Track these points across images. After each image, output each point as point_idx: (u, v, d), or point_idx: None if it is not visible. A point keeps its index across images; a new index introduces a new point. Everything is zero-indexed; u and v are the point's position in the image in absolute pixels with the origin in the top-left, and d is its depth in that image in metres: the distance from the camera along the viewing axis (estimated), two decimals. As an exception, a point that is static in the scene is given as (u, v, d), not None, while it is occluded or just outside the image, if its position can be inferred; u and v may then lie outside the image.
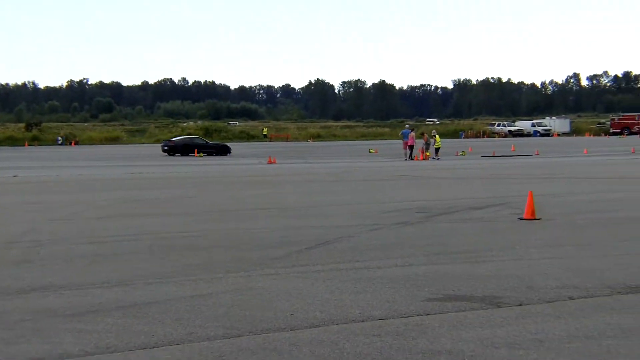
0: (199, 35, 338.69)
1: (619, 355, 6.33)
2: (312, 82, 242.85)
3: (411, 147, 50.69)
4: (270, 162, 46.27)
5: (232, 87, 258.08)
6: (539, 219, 15.56)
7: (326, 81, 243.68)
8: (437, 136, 52.37)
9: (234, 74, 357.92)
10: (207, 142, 63.37)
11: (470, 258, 11.30)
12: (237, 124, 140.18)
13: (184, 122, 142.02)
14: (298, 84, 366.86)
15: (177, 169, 40.36)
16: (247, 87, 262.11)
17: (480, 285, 9.28)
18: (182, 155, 58.58)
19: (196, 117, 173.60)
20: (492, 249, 12.14)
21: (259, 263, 10.95)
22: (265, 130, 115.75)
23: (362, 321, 7.63)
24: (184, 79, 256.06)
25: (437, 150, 51.21)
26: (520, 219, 15.80)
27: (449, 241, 13.03)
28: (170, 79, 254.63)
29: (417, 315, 7.85)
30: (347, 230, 14.37)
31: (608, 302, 8.30)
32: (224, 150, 60.71)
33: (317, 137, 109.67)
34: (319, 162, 47.65)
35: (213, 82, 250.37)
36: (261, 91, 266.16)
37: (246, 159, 52.80)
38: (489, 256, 11.45)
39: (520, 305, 8.27)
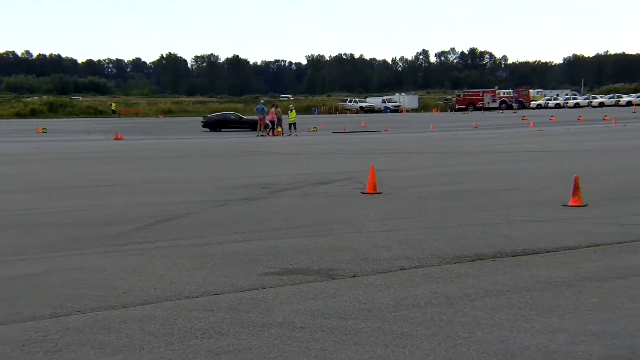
0: (44, 6, 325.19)
1: (441, 322, 6.60)
2: (164, 56, 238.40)
3: (272, 123, 50.75)
4: (117, 139, 45.19)
5: (79, 61, 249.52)
6: (380, 193, 15.98)
7: (178, 55, 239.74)
8: (292, 111, 52.72)
9: (82, 47, 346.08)
10: (241, 118, 61.00)
11: (310, 232, 11.46)
12: (80, 99, 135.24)
13: (28, 97, 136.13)
14: (149, 58, 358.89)
15: (21, 145, 38.78)
16: (96, 60, 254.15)
17: (317, 259, 9.45)
18: (212, 130, 57.40)
19: (41, 92, 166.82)
20: (332, 222, 12.36)
21: (96, 241, 10.71)
22: (113, 105, 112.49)
23: (197, 297, 7.61)
24: (27, 52, 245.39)
25: (292, 125, 51.48)
26: (363, 193, 16.17)
27: (291, 216, 13.17)
28: (13, 51, 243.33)
29: (253, 290, 7.91)
30: (191, 206, 14.28)
31: (436, 272, 8.63)
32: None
33: (168, 112, 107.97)
34: (170, 139, 46.96)
35: (59, 56, 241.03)
36: (110, 65, 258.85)
37: (92, 135, 51.35)
38: (329, 230, 11.66)
39: (354, 276, 8.48)
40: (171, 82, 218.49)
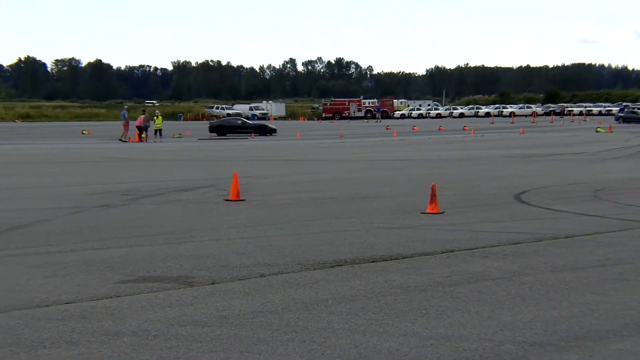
0: None
1: (297, 328, 6.64)
2: (22, 59, 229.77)
3: (139, 129, 49.69)
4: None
5: None
6: (243, 200, 15.95)
7: (37, 59, 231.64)
8: (159, 117, 51.90)
9: None
10: (244, 123, 61.11)
11: (171, 239, 11.31)
12: None
13: None
14: (6, 61, 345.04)
15: None
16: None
17: (176, 266, 9.32)
18: (218, 135, 56.80)
19: None
20: (194, 229, 12.24)
21: (-58, 249, 10.18)
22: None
23: (47, 306, 7.36)
24: None
25: (157, 131, 50.66)
26: (226, 200, 16.09)
27: (152, 223, 12.95)
28: None
29: (107, 298, 7.72)
30: (45, 213, 13.82)
31: (296, 278, 8.68)
32: (262, 130, 58.49)
33: (26, 117, 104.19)
34: (26, 144, 45.28)
35: None
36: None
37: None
38: (190, 237, 11.53)
39: (213, 284, 8.42)
40: (30, 86, 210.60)
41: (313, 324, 6.76)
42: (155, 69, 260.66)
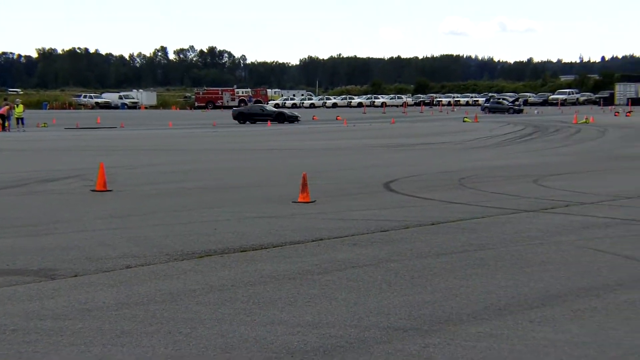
0: None
1: (163, 319, 6.52)
2: None
3: (2, 117, 47.56)
4: None
5: None
6: (110, 191, 15.57)
7: None
8: (19, 105, 49.91)
9: None
10: (263, 110, 61.22)
11: (33, 231, 10.92)
12: None
13: None
14: None
15: None
16: None
17: (38, 259, 8.99)
18: (239, 122, 57.55)
19: None
20: (58, 221, 11.87)
21: None
22: None
23: None
24: None
25: (19, 120, 48.73)
26: (93, 190, 15.67)
27: (12, 215, 12.48)
28: None
29: (-38, 293, 7.35)
30: None
31: (163, 269, 8.53)
32: (280, 118, 57.67)
33: None
34: None
35: None
36: None
37: None
38: (54, 229, 11.17)
39: (76, 276, 8.17)
40: None
41: (179, 315, 6.65)
42: (19, 56, 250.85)
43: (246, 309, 6.86)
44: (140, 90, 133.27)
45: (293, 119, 58.15)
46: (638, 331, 6.11)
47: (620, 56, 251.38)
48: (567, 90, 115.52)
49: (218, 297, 7.26)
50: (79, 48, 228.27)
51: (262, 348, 5.78)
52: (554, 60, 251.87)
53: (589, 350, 5.66)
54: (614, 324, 6.32)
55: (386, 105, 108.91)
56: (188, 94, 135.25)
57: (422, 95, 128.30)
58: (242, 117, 58.96)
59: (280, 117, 58.34)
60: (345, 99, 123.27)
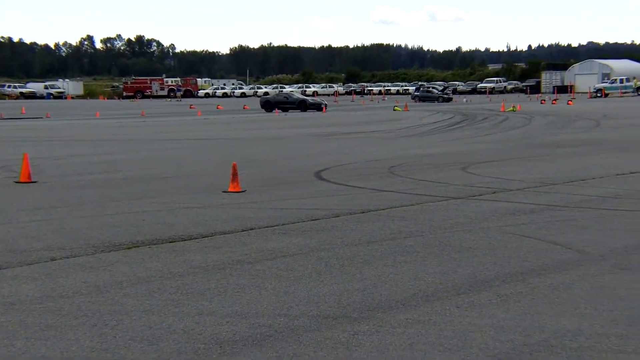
0: None
1: (88, 312, 6.39)
2: None
3: None
4: None
5: None
6: (35, 182, 15.22)
7: None
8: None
9: None
10: (287, 98, 61.22)
11: (-46, 224, 10.58)
12: None
13: None
14: None
15: None
16: None
17: (-41, 252, 8.72)
18: (266, 110, 58.29)
19: None
20: (-20, 213, 11.53)
21: None
22: None
23: None
24: None
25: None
26: (16, 182, 15.29)
27: None
28: None
29: None
30: None
31: (89, 261, 8.37)
32: (302, 106, 57.81)
33: None
34: None
35: None
36: None
37: None
38: (-24, 221, 10.85)
39: (-1, 269, 7.96)
40: None
41: (106, 307, 6.54)
42: None
43: (174, 300, 6.78)
44: (67, 79, 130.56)
45: (316, 107, 58.04)
46: (562, 315, 6.23)
47: (546, 45, 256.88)
48: (495, 78, 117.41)
49: (146, 289, 7.16)
50: (2, 37, 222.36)
51: (191, 339, 5.71)
52: (482, 49, 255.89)
53: (514, 335, 5.75)
54: (538, 308, 6.44)
55: (317, 95, 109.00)
56: (116, 84, 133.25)
57: (353, 85, 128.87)
58: (269, 105, 60.09)
59: (302, 105, 58.56)
60: (277, 88, 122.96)
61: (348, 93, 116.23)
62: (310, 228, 10.31)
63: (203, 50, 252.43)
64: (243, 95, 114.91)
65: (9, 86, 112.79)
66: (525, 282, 7.29)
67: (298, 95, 65.93)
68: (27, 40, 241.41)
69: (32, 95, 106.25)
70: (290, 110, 57.26)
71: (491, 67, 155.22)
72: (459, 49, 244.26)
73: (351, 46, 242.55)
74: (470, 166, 17.89)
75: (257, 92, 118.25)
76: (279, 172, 17.44)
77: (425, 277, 7.55)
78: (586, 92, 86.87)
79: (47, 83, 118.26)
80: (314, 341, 5.66)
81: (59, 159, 20.95)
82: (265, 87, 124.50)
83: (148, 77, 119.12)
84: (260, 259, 8.45)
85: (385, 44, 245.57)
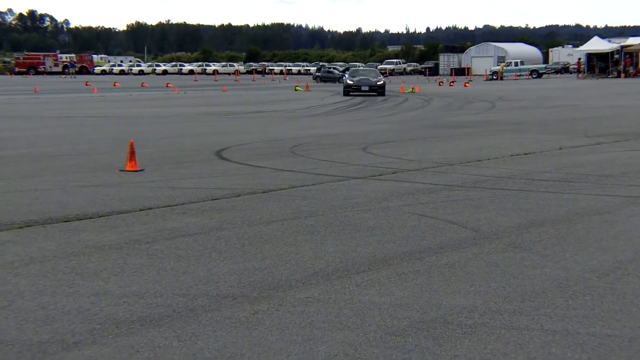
0: None
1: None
2: None
3: None
4: None
5: None
6: None
7: None
8: None
9: None
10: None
11: None
12: None
13: None
14: None
15: None
16: None
17: None
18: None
19: None
20: None
21: None
22: None
23: None
24: None
25: None
26: None
27: None
28: None
29: None
30: None
31: (-21, 241, 8.07)
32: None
33: None
34: None
35: None
36: None
37: None
38: None
39: None
40: None
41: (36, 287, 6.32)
42: None
43: (69, 280, 6.60)
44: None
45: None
46: (457, 292, 6.36)
47: (444, 27, 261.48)
48: (395, 60, 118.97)
49: (39, 269, 6.95)
50: None
51: (86, 319, 5.58)
52: (382, 30, 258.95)
53: (411, 312, 5.84)
54: (435, 286, 6.55)
55: (218, 73, 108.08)
56: (7, 59, 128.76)
57: (254, 64, 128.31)
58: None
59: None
60: (176, 66, 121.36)
61: (249, 72, 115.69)
62: (211, 208, 10.21)
63: (99, 27, 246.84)
64: (141, 72, 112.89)
65: None
66: (423, 261, 7.41)
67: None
68: None
69: None
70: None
71: (391, 48, 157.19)
72: (359, 30, 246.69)
73: (251, 25, 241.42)
74: (370, 146, 18.06)
75: (155, 69, 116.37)
76: (178, 151, 17.21)
77: (325, 256, 7.58)
78: (482, 75, 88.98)
79: None
80: (214, 321, 5.61)
81: (-54, 135, 20.12)
82: (164, 65, 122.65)
83: (41, 53, 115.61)
84: (158, 239, 8.32)
85: (285, 23, 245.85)
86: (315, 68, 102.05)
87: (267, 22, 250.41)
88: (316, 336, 5.30)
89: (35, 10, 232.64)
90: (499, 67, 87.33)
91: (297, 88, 57.39)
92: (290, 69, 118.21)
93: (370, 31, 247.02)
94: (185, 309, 5.87)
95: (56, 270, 6.94)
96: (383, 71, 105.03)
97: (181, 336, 5.29)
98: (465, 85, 61.70)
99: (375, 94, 43.92)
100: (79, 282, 6.53)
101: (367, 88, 43.76)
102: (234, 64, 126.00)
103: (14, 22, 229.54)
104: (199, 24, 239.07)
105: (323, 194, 11.40)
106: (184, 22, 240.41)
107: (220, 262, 7.34)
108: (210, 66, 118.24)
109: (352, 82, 44.73)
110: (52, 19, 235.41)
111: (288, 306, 5.96)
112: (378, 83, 44.24)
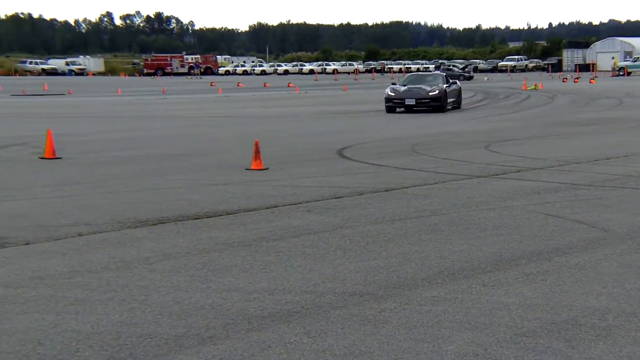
0: None
1: (117, 286, 6.46)
2: None
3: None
4: None
5: None
6: (59, 158, 15.32)
7: None
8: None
9: None
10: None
11: (-20, 199, 10.70)
12: None
13: None
14: None
15: None
16: None
17: (-14, 227, 8.82)
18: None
19: None
20: (6, 189, 11.67)
21: None
22: None
23: None
24: None
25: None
26: (41, 158, 15.40)
27: (-41, 183, 12.20)
28: None
29: None
30: None
31: (116, 237, 8.44)
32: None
33: None
34: None
35: None
36: None
37: None
38: (2, 197, 10.98)
39: (27, 244, 8.05)
40: None
41: (134, 282, 6.60)
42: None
43: (201, 276, 6.83)
44: (87, 56, 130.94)
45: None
46: (589, 294, 6.22)
47: (567, 22, 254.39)
48: (516, 56, 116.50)
49: (172, 265, 7.21)
50: (22, 13, 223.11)
51: (219, 314, 5.76)
52: (502, 27, 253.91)
53: (541, 313, 5.75)
54: (565, 286, 6.43)
55: (338, 72, 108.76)
56: (136, 61, 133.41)
57: (373, 62, 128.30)
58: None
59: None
60: (297, 65, 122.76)
61: (368, 71, 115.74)
62: (334, 206, 10.32)
63: (222, 28, 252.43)
64: (263, 72, 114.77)
65: (31, 62, 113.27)
66: (551, 261, 7.27)
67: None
68: (47, 17, 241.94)
69: (53, 72, 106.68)
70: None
71: (512, 45, 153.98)
72: (479, 27, 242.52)
73: (370, 24, 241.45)
74: (493, 144, 17.81)
75: (277, 69, 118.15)
76: (300, 150, 17.46)
77: (450, 256, 7.55)
78: (608, 71, 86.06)
79: (68, 59, 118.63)
80: (341, 318, 5.69)
81: (82, 135, 21.07)
82: (285, 65, 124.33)
83: (168, 54, 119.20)
84: (284, 237, 8.48)
85: (404, 21, 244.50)
86: (434, 66, 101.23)
87: (386, 21, 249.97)
88: (444, 335, 5.31)
89: (162, 13, 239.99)
90: (625, 62, 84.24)
91: (417, 86, 57.02)
92: (409, 67, 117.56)
93: (490, 27, 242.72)
94: (313, 306, 5.97)
95: (189, 266, 7.18)
96: (504, 68, 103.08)
97: (310, 332, 5.40)
98: (590, 82, 59.84)
99: (428, 108, 30.14)
100: (211, 278, 6.75)
101: (412, 102, 30.01)
102: (353, 62, 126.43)
103: (141, 25, 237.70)
104: (318, 24, 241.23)
105: (446, 192, 11.34)
106: (304, 22, 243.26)
107: (345, 260, 7.43)
108: (330, 65, 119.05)
109: (393, 95, 30.62)
110: (177, 20, 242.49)
111: (415, 305, 5.98)
112: (431, 94, 30.11)
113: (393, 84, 32.86)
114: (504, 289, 6.37)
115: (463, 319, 5.64)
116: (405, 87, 31.01)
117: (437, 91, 30.25)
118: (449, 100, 31.12)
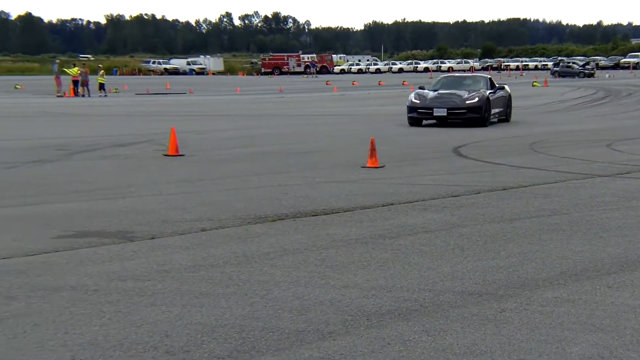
0: None
1: (239, 281, 6.62)
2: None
3: (75, 83, 48.54)
4: None
5: None
6: (182, 155, 15.78)
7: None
8: (102, 72, 51.22)
9: None
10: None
11: (108, 195, 11.15)
12: None
13: None
14: None
15: None
16: None
17: (115, 221, 9.19)
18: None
19: None
20: (132, 185, 12.08)
21: None
22: None
23: (-17, 263, 7.19)
24: None
25: (101, 86, 49.61)
26: (165, 155, 15.90)
27: (88, 178, 12.76)
28: None
29: (44, 253, 7.59)
30: (-21, 169, 13.46)
31: (237, 232, 8.64)
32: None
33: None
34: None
35: None
36: None
37: None
38: (129, 192, 11.38)
39: (153, 238, 8.33)
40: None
41: (255, 277, 6.75)
42: (88, 22, 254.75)
43: (320, 272, 6.91)
44: (207, 56, 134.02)
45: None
46: None
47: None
48: (639, 53, 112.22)
49: (292, 260, 7.34)
50: (146, 14, 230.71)
51: (338, 310, 5.83)
52: (624, 23, 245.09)
53: (669, 317, 5.56)
54: (695, 290, 6.19)
55: (453, 70, 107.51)
56: (254, 60, 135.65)
57: (489, 60, 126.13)
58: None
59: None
60: (411, 64, 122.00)
61: (484, 69, 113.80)
62: (451, 204, 10.25)
63: (337, 27, 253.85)
64: (378, 71, 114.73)
65: (154, 62, 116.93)
66: (680, 264, 7.01)
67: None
68: (170, 18, 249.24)
69: (175, 71, 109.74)
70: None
71: (634, 41, 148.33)
72: (599, 23, 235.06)
73: (486, 21, 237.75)
74: (616, 143, 17.27)
75: (391, 68, 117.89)
76: (416, 147, 17.39)
77: (572, 256, 7.39)
78: None
79: (189, 59, 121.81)
80: (461, 317, 5.66)
81: (203, 133, 21.62)
82: (400, 63, 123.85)
83: (285, 54, 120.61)
84: (401, 234, 8.49)
85: (521, 18, 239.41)
86: (552, 63, 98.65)
87: (503, 18, 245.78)
88: (568, 337, 5.20)
89: (280, 13, 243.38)
90: None
91: (535, 84, 55.87)
92: (527, 64, 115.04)
93: (611, 24, 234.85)
94: (431, 304, 5.96)
95: (307, 262, 7.29)
96: (626, 65, 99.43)
97: (430, 331, 5.39)
98: None
99: (464, 121, 22.90)
100: (330, 274, 6.83)
101: (443, 112, 23.01)
102: (469, 60, 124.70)
103: (259, 25, 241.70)
104: (433, 22, 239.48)
105: (566, 191, 11.09)
106: (419, 20, 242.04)
107: (463, 258, 7.37)
108: (445, 63, 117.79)
109: (418, 102, 23.71)
110: (294, 20, 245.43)
111: (536, 305, 5.88)
112: (468, 102, 23.07)
113: (420, 87, 25.15)
114: (629, 291, 6.19)
115: (587, 320, 5.52)
116: (436, 92, 24.02)
117: (476, 99, 23.12)
118: (494, 111, 23.88)
